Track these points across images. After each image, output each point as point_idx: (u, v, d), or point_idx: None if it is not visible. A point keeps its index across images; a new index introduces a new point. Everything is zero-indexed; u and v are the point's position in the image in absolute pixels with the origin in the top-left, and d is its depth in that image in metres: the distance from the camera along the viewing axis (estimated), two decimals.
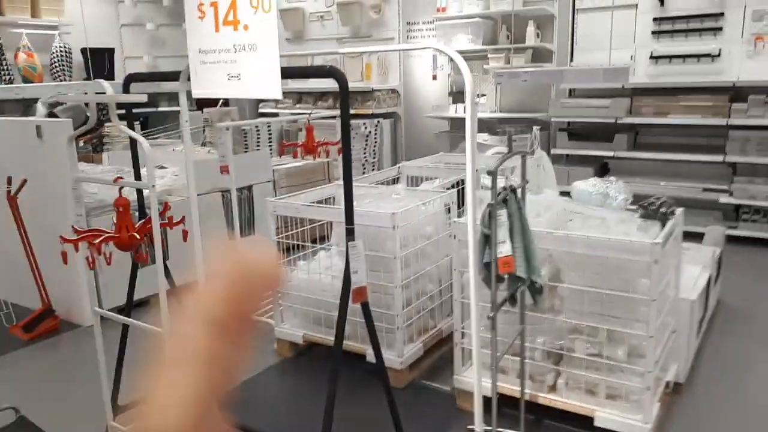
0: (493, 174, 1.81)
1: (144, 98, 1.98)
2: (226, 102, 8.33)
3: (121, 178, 2.03)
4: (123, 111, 7.88)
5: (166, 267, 2.75)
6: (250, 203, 4.59)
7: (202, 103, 8.58)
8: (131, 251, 2.18)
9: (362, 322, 2.87)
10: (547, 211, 2.42)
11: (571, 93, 5.98)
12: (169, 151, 5.13)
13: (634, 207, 2.53)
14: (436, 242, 2.98)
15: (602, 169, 5.78)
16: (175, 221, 2.26)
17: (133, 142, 2.37)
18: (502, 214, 1.92)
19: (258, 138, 7.53)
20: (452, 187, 3.75)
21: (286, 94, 7.65)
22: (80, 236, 2.01)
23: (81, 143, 5.58)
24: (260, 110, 7.83)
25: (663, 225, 2.38)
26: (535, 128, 4.81)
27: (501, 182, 1.93)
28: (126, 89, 2.46)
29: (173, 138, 6.95)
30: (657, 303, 2.12)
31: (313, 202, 3.19)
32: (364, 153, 6.86)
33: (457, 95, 6.77)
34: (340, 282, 2.98)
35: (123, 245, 2.05)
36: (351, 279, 1.83)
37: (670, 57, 5.28)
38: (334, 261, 3.02)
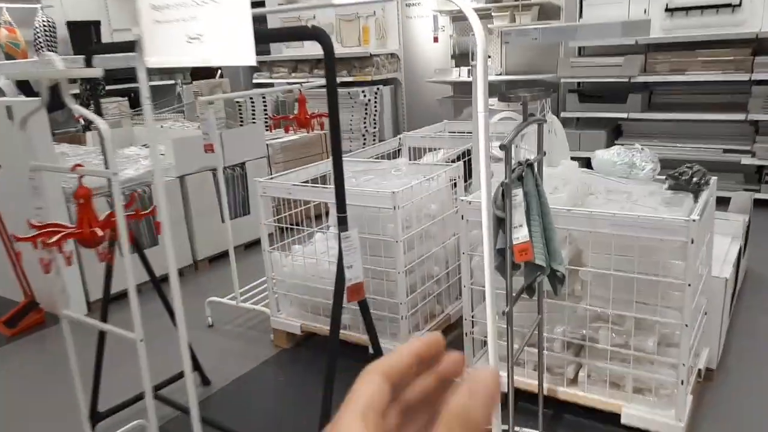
0: (506, 148, 1.55)
1: (100, 72, 1.71)
2: (221, 73, 8.01)
3: (81, 165, 1.78)
4: (115, 86, 7.48)
5: (144, 259, 2.52)
6: (243, 181, 4.33)
7: (197, 75, 8.27)
8: (96, 248, 1.94)
9: None
10: (566, 185, 2.16)
11: (581, 51, 5.64)
12: (157, 128, 4.86)
13: (662, 177, 2.27)
14: (442, 221, 2.73)
15: (615, 132, 5.48)
16: (144, 211, 2.00)
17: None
18: (518, 194, 1.66)
19: (253, 110, 7.24)
20: (458, 158, 3.48)
21: (280, 62, 7.32)
22: (37, 232, 1.77)
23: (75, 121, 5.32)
24: (254, 80, 7.51)
25: (696, 197, 2.12)
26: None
27: (515, 156, 1.67)
28: (88, 63, 2.18)
29: (170, 114, 6.68)
30: (693, 288, 1.87)
31: (308, 181, 2.93)
32: (364, 123, 6.56)
33: (460, 58, 6.43)
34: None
35: (85, 242, 1.81)
36: (345, 275, 1.59)
37: (687, 8, 4.93)
38: (332, 244, 2.78)
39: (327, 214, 3.14)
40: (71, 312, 2.05)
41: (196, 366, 2.72)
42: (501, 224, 1.70)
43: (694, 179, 2.10)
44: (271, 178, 2.80)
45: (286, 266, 2.84)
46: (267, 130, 4.92)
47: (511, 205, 1.63)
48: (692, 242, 1.82)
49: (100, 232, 1.76)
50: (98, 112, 4.93)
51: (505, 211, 1.65)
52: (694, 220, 1.81)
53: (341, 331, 2.73)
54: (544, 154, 1.89)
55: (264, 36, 1.45)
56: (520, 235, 1.66)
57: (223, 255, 4.25)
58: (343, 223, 1.57)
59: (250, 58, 1.30)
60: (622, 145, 2.25)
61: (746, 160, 4.64)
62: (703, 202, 2.00)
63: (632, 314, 2.00)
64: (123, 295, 3.53)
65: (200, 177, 4.07)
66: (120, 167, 3.67)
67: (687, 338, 1.91)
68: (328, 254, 2.80)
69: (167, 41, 1.32)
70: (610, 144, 5.34)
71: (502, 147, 1.54)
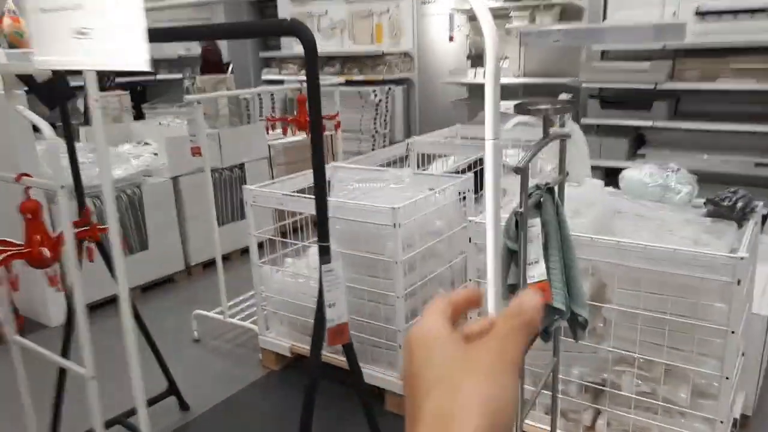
0: (522, 171, 1.29)
1: (48, 72, 1.47)
2: (227, 64, 7.79)
3: (28, 175, 1.54)
4: (124, 79, 7.28)
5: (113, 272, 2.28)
6: (242, 183, 4.10)
7: (207, 69, 8.05)
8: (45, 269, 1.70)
9: (358, 335, 2.41)
10: (589, 207, 1.90)
11: (604, 55, 5.34)
12: (155, 125, 4.64)
13: (699, 199, 1.99)
14: (448, 239, 2.47)
15: (637, 141, 5.18)
16: (101, 226, 1.76)
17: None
18: (535, 224, 1.40)
19: (261, 108, 7.00)
20: (469, 168, 3.22)
21: (290, 58, 7.09)
22: None
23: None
24: (263, 77, 7.29)
25: (740, 225, 1.85)
26: (565, 95, 4.23)
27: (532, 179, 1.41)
28: None
29: (178, 110, 6.46)
30: (737, 335, 1.60)
31: (304, 190, 2.69)
32: (374, 123, 6.31)
33: (477, 59, 6.15)
34: None
35: (34, 262, 1.57)
36: (325, 315, 1.34)
37: (719, 12, 4.61)
38: None
39: None
40: (22, 339, 1.83)
41: (173, 390, 2.49)
42: (513, 257, 1.44)
43: (738, 205, 1.83)
44: (263, 186, 2.56)
45: (277, 282, 2.60)
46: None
47: (526, 237, 1.37)
48: (738, 283, 1.55)
49: (47, 253, 1.52)
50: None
51: (519, 243, 1.39)
52: (742, 258, 1.54)
53: (330, 355, 2.49)
54: (567, 174, 1.62)
55: (231, 31, 1.22)
56: (536, 272, 1.40)
57: (222, 259, 4.02)
58: (325, 254, 1.32)
59: (140, 62, 0.98)
60: (655, 163, 1.98)
61: None
62: (750, 233, 1.73)
63: (662, 360, 1.73)
64: (111, 301, 3.31)
65: (195, 178, 3.84)
66: None
67: (727, 392, 1.64)
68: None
69: (53, 36, 1.04)
70: (632, 154, 5.04)
71: (517, 170, 1.28)
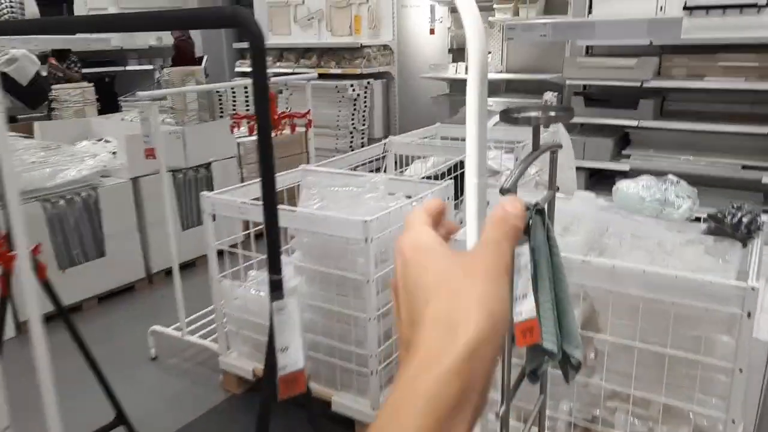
0: (509, 193, 1.09)
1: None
2: (200, 58, 7.49)
3: None
4: (90, 69, 6.90)
5: (50, 289, 2.03)
6: (208, 184, 3.86)
7: (180, 60, 7.74)
8: None
9: (326, 359, 2.20)
10: (580, 225, 1.71)
11: (589, 51, 5.18)
12: (117, 120, 4.37)
13: (700, 215, 1.82)
14: None
15: (622, 140, 5.02)
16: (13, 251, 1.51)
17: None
18: (523, 253, 1.20)
19: (234, 103, 6.73)
20: (449, 172, 3.02)
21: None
22: None
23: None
24: (237, 69, 7.01)
25: (744, 245, 1.67)
26: (550, 93, 4.06)
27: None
28: None
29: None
30: (745, 375, 1.42)
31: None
32: (352, 119, 6.08)
33: (458, 52, 5.95)
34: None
35: None
36: (277, 361, 1.13)
37: (707, 8, 4.45)
38: (295, 273, 2.32)
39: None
40: None
41: (122, 420, 2.26)
42: None
43: (743, 223, 1.65)
44: (223, 192, 2.33)
45: (239, 298, 2.38)
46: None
47: (513, 269, 1.17)
48: (748, 316, 1.38)
49: None
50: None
51: None
52: (753, 289, 1.36)
53: None
54: (557, 189, 1.43)
55: (162, 21, 1.00)
56: (524, 309, 1.21)
57: (186, 266, 3.78)
58: (276, 289, 1.11)
59: None
60: (652, 174, 1.79)
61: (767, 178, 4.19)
62: (757, 256, 1.55)
63: (660, 399, 1.56)
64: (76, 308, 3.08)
65: (157, 179, 3.57)
66: (61, 167, 3.19)
67: None
68: (287, 284, 2.33)
69: None
70: (616, 154, 4.89)
71: (503, 192, 1.08)
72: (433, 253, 0.41)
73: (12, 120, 4.77)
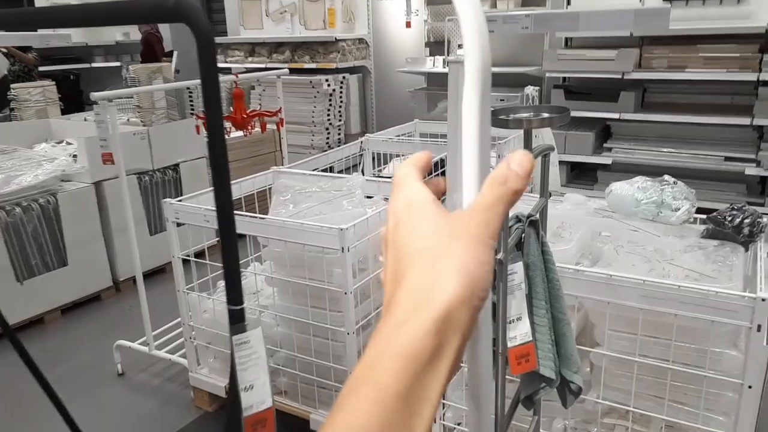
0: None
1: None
2: (170, 53, 7.22)
3: None
4: (53, 67, 6.59)
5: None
6: (177, 187, 3.68)
7: (149, 57, 7.48)
8: None
9: (303, 375, 2.06)
10: (573, 231, 1.59)
11: (568, 43, 5.09)
12: (80, 121, 4.15)
13: (696, 217, 1.71)
14: None
15: (604, 133, 4.95)
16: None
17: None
18: (517, 270, 1.08)
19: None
20: (429, 172, 2.89)
21: (235, 45, 6.61)
22: None
23: None
24: None
25: (746, 248, 1.57)
26: (531, 88, 3.94)
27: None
28: None
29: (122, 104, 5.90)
30: (755, 390, 1.32)
31: (239, 202, 2.32)
32: (328, 115, 5.92)
33: (435, 46, 5.82)
34: (271, 319, 2.14)
35: None
36: (240, 400, 0.99)
37: None
38: (266, 285, 2.17)
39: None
40: None
41: None
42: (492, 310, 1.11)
43: (745, 225, 1.55)
44: (188, 198, 2.17)
45: (207, 311, 2.22)
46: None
47: (506, 290, 1.04)
48: (758, 329, 1.27)
49: None
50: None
51: (498, 295, 1.06)
52: (764, 300, 1.25)
53: (275, 397, 2.13)
54: (550, 195, 1.30)
55: (90, 16, 0.85)
56: (519, 332, 1.08)
57: (155, 272, 3.60)
58: (237, 321, 0.97)
59: None
60: (647, 176, 1.68)
61: (750, 170, 4.14)
62: (762, 260, 1.44)
63: (662, 416, 1.45)
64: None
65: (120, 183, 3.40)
66: (16, 172, 2.99)
67: None
68: (258, 297, 2.19)
69: None
70: (598, 147, 4.81)
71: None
72: (423, 212, 0.41)
73: None
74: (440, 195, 0.46)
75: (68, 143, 3.73)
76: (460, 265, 0.37)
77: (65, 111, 4.67)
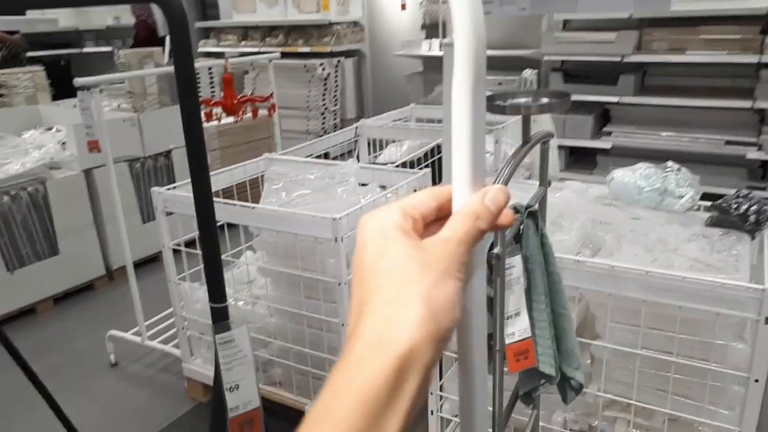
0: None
1: None
2: (162, 39, 7.11)
3: None
4: (42, 52, 6.45)
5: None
6: (169, 173, 3.62)
7: (142, 41, 7.36)
8: None
9: (297, 365, 2.03)
10: (573, 220, 1.54)
11: (566, 25, 5.00)
12: (69, 107, 4.07)
13: (700, 204, 1.66)
14: None
15: (603, 117, 4.88)
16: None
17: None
18: (515, 264, 1.03)
19: (199, 86, 6.41)
20: (425, 157, 2.84)
21: (228, 29, 6.51)
22: None
23: None
24: (200, 49, 6.68)
25: (752, 237, 1.52)
26: (529, 71, 3.88)
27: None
28: None
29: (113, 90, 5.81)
30: (761, 384, 1.28)
31: (230, 191, 2.26)
32: (323, 100, 5.84)
33: (431, 28, 5.72)
34: (264, 309, 2.10)
35: None
36: (226, 403, 0.95)
37: None
38: (258, 274, 2.13)
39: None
40: None
41: None
42: (488, 304, 1.07)
43: (751, 212, 1.50)
44: (177, 187, 2.11)
45: (200, 301, 2.18)
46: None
47: (503, 285, 0.99)
48: (766, 321, 1.23)
49: None
50: None
51: (495, 289, 1.02)
52: None
53: (270, 388, 2.10)
54: (549, 184, 1.25)
55: None
56: (517, 328, 1.04)
57: (148, 261, 3.56)
58: (220, 318, 0.92)
59: None
60: (647, 160, 1.63)
61: (752, 153, 4.09)
62: None
63: (665, 410, 1.41)
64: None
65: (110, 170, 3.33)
66: (3, 160, 2.93)
67: None
68: (251, 287, 2.15)
69: None
70: (597, 131, 4.75)
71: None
72: (393, 238, 0.39)
73: None
74: (426, 221, 0.43)
75: (57, 130, 3.65)
76: (428, 295, 0.35)
77: (57, 97, 4.58)
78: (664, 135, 4.43)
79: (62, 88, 5.51)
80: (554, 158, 2.74)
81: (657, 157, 2.91)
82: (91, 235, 3.31)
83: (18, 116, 3.80)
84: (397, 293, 0.36)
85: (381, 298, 0.36)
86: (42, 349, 2.79)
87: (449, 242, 0.39)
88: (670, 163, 1.60)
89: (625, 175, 1.60)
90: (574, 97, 4.59)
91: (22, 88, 4.49)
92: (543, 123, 2.96)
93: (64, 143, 3.26)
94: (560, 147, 4.70)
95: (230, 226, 2.23)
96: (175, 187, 2.13)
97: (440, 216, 0.43)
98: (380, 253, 0.39)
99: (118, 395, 2.45)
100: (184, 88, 0.81)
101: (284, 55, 4.17)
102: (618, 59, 4.43)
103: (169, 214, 2.13)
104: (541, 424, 1.56)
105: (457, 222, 0.40)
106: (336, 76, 5.88)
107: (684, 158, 3.62)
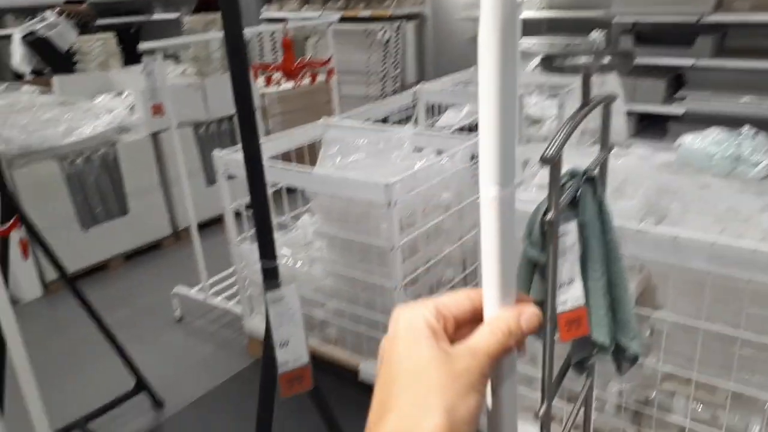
0: (551, 162, 0.88)
1: None
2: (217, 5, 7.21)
3: None
4: (111, 20, 6.68)
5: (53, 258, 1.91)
6: (232, 138, 3.70)
7: (205, 7, 7.48)
8: None
9: (351, 327, 2.06)
10: (634, 185, 1.48)
11: None
12: (137, 72, 4.19)
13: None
14: (457, 213, 2.08)
15: (676, 81, 4.63)
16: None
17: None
18: (569, 231, 1.00)
19: (262, 51, 6.48)
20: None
21: None
22: None
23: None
24: (262, 15, 6.73)
25: None
26: (597, 32, 3.71)
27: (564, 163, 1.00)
28: None
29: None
30: None
31: (288, 156, 2.30)
32: (383, 65, 5.78)
33: None
34: (321, 271, 2.14)
35: None
36: (275, 358, 0.98)
37: None
38: (315, 237, 2.17)
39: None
40: None
41: (142, 386, 2.18)
42: (537, 267, 1.04)
43: None
44: (233, 152, 2.16)
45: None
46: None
47: (557, 251, 0.97)
48: None
49: None
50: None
51: (548, 255, 0.99)
52: None
53: (325, 347, 2.15)
54: (611, 149, 1.20)
55: None
56: (570, 296, 1.00)
57: (212, 222, 3.68)
58: (271, 278, 0.94)
59: None
60: (723, 127, 1.53)
61: None
62: None
63: (729, 385, 1.36)
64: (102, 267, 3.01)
65: (179, 134, 3.44)
66: (76, 123, 3.07)
67: None
68: (308, 249, 2.19)
69: None
70: (669, 96, 4.51)
71: (544, 161, 0.86)
72: (422, 340, 0.39)
73: (37, 74, 4.66)
74: (459, 323, 0.43)
75: (127, 95, 3.79)
76: (451, 407, 0.36)
77: (128, 63, 4.73)
78: (743, 100, 4.16)
79: (132, 54, 5.69)
80: (620, 123, 2.63)
81: (734, 123, 2.75)
82: (158, 197, 3.44)
83: (91, 81, 3.96)
84: (423, 398, 0.37)
85: (406, 401, 0.37)
86: (113, 303, 2.96)
87: (477, 354, 0.39)
88: (746, 129, 1.50)
89: (694, 141, 1.51)
90: (647, 61, 4.39)
91: (95, 54, 4.67)
92: (611, 88, 2.84)
93: (132, 107, 3.38)
94: (629, 113, 4.49)
95: (290, 191, 2.28)
96: (236, 151, 2.18)
97: (474, 318, 0.44)
98: (408, 350, 0.39)
99: (182, 349, 2.58)
100: (234, 57, 0.81)
101: (345, 19, 4.14)
102: (695, 19, 4.16)
103: (230, 177, 2.18)
104: (595, 392, 1.54)
105: (487, 334, 0.41)
106: (397, 41, 5.80)
107: (764, 125, 3.40)
